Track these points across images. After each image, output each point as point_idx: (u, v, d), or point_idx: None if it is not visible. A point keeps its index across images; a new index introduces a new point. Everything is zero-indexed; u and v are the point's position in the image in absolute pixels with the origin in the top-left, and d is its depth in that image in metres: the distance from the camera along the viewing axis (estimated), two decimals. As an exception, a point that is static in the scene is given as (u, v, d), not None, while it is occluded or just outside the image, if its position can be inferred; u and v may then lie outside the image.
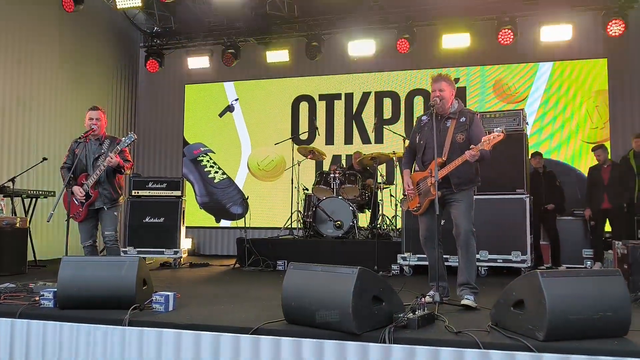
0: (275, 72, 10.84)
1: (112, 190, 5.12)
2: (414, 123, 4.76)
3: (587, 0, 8.98)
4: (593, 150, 7.61)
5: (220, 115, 11.28)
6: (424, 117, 4.54)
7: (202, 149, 11.36)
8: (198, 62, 10.79)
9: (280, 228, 9.02)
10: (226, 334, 3.27)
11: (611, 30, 8.57)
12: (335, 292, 3.18)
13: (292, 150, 8.80)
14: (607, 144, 8.86)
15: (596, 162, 7.57)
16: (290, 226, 8.66)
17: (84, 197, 5.04)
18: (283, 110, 10.95)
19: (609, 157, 7.74)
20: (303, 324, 3.33)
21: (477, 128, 4.27)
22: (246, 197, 9.63)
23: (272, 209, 10.55)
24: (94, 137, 5.18)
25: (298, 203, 8.61)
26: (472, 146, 4.08)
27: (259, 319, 3.46)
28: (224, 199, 11.08)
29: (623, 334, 3.06)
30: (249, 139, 11.09)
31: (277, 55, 10.32)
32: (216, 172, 11.23)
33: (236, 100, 11.20)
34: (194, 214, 10.84)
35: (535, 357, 2.81)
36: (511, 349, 2.89)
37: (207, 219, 11.10)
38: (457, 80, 9.98)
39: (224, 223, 10.95)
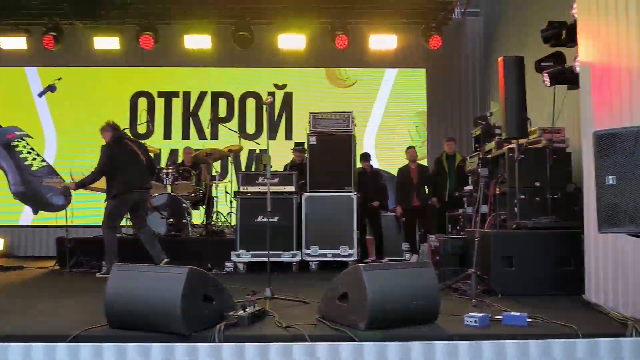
0: (104, 61, 10.12)
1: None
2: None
3: (410, 14, 9.73)
4: (408, 149, 8.30)
5: (40, 95, 10.17)
6: None
7: (17, 132, 10.13)
8: (13, 42, 9.72)
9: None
10: (39, 343, 2.97)
11: (431, 43, 9.47)
12: (163, 293, 3.09)
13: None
14: (425, 161, 9.68)
15: (405, 164, 8.31)
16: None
17: None
18: (116, 103, 10.28)
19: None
20: (128, 327, 3.17)
21: None
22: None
23: (98, 205, 9.85)
24: None
25: (128, 199, 8.14)
26: None
27: (79, 326, 3.21)
28: (43, 189, 10.04)
29: (433, 320, 3.37)
30: (68, 128, 10.29)
31: (107, 42, 9.67)
32: (34, 159, 10.07)
33: (59, 79, 10.21)
34: (7, 209, 9.72)
35: (356, 346, 2.98)
36: (335, 340, 3.03)
37: (23, 217, 10.03)
38: (284, 85, 10.36)
39: (43, 220, 9.94)
